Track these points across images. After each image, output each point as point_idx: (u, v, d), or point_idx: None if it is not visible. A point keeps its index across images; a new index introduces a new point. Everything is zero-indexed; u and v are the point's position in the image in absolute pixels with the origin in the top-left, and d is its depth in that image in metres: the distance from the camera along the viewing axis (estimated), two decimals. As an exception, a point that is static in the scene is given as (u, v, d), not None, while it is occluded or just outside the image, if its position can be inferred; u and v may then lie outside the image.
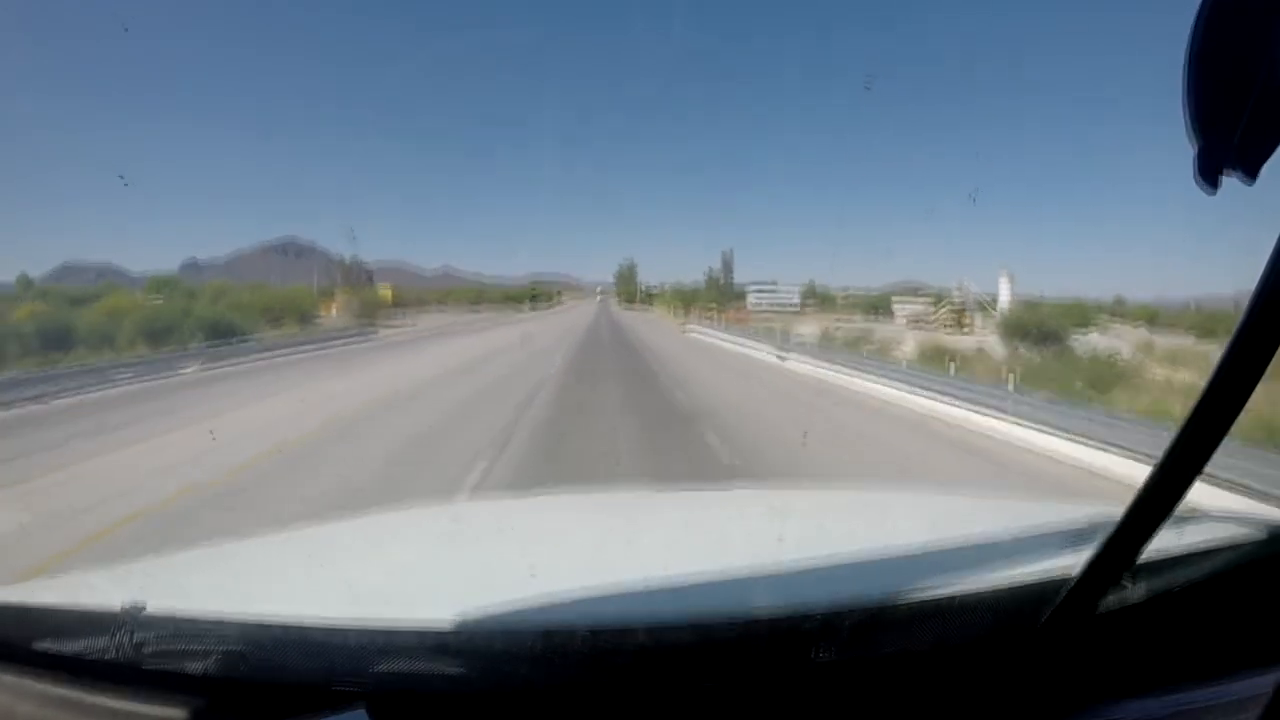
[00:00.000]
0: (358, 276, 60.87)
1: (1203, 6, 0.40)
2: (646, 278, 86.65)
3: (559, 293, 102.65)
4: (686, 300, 62.17)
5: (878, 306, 54.70)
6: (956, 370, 14.39)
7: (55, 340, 17.44)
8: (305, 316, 30.12)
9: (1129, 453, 6.38)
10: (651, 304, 72.44)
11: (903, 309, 50.10)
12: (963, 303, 44.62)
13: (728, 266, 75.41)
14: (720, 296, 64.48)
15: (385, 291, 50.04)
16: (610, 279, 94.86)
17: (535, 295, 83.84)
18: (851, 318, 49.70)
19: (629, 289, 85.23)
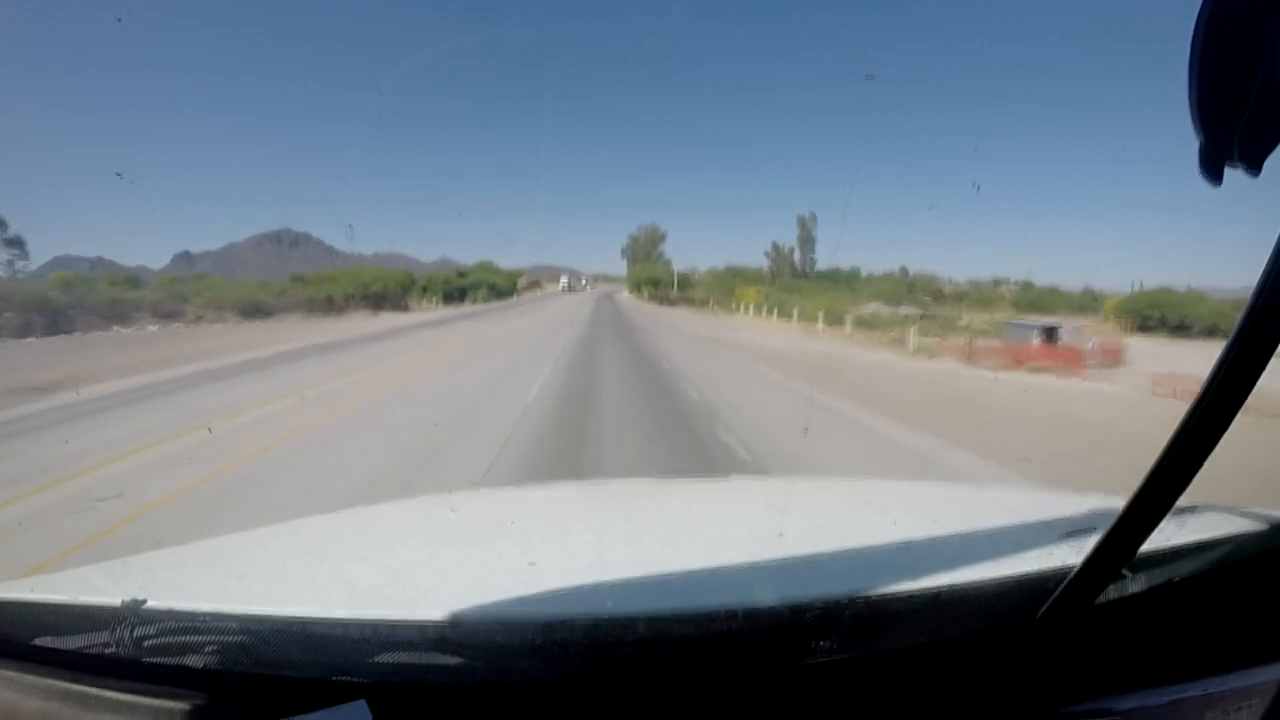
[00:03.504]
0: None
1: (1204, 4, 0.40)
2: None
3: (536, 283, 61.18)
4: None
5: (1151, 314, 25.06)
6: None
7: None
8: None
9: None
10: (709, 302, 36.62)
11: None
12: None
13: (808, 238, 46.55)
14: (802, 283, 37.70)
15: None
16: (618, 268, 59.27)
17: (467, 284, 42.59)
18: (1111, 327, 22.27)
19: (652, 271, 47.83)
